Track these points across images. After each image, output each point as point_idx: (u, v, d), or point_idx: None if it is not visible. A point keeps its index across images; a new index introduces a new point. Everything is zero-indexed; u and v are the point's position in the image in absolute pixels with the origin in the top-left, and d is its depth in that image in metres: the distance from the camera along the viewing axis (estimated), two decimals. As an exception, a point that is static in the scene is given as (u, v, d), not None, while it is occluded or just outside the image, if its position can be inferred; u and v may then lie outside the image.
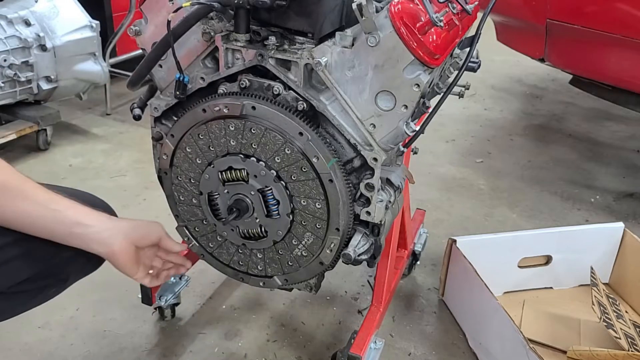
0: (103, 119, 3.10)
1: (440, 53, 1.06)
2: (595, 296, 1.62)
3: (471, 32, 1.36)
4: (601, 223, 2.18)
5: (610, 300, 1.68)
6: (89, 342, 1.63)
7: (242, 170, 1.17)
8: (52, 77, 2.58)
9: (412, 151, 1.49)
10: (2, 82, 2.44)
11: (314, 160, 1.11)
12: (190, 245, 1.32)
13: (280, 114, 1.10)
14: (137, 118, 1.32)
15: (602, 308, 1.60)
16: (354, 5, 0.97)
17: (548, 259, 1.87)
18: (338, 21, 1.12)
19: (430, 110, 1.18)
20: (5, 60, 2.40)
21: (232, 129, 1.14)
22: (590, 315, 1.66)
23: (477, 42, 1.27)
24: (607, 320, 1.57)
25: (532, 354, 1.37)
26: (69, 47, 2.58)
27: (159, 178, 1.31)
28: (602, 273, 1.88)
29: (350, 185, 1.15)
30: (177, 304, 1.72)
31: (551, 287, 1.91)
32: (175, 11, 1.08)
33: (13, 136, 2.54)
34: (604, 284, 1.81)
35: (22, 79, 2.49)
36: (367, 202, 1.16)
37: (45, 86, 2.58)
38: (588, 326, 1.70)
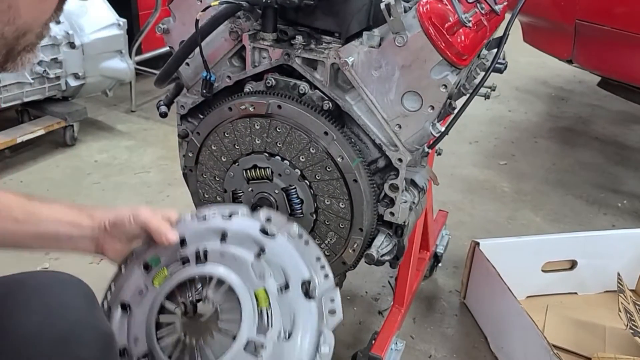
0: (128, 115, 3.14)
1: (468, 53, 1.05)
2: (621, 303, 1.59)
3: (498, 32, 1.34)
4: (628, 228, 2.14)
5: (637, 307, 1.65)
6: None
7: (267, 169, 1.18)
8: (80, 74, 2.63)
9: (436, 152, 1.48)
10: (32, 79, 2.49)
11: (339, 159, 1.10)
12: None
13: (305, 113, 1.11)
14: (163, 115, 1.34)
15: (628, 315, 1.57)
16: (382, 5, 0.97)
17: (573, 264, 1.84)
18: (365, 21, 1.11)
19: (456, 111, 1.17)
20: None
21: (258, 127, 1.15)
22: (616, 321, 1.62)
23: (504, 42, 1.25)
24: (633, 327, 1.54)
25: (555, 359, 1.35)
26: (97, 44, 2.62)
27: (184, 175, 1.32)
28: (629, 279, 1.84)
29: (375, 185, 1.15)
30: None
31: (576, 293, 1.88)
32: (204, 10, 1.09)
33: (41, 132, 2.59)
34: (630, 290, 1.78)
35: (51, 76, 2.53)
36: (391, 202, 1.16)
37: (73, 83, 2.63)
38: (613, 333, 1.67)
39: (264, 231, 0.91)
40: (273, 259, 0.88)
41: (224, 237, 0.91)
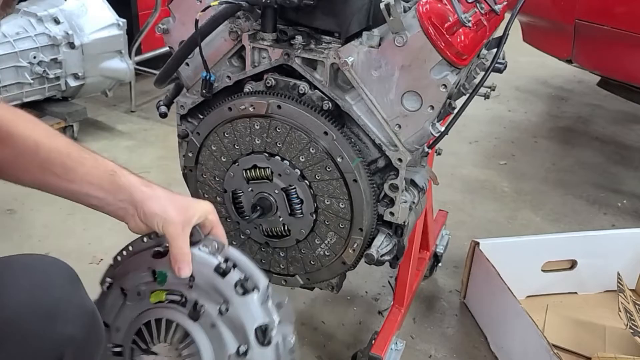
0: (128, 115, 3.14)
1: (468, 53, 1.05)
2: (621, 302, 1.59)
3: (498, 32, 1.34)
4: (628, 228, 2.14)
5: (637, 306, 1.65)
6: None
7: (267, 169, 1.18)
8: (80, 74, 2.62)
9: (435, 152, 1.48)
10: (32, 79, 2.48)
11: (339, 159, 1.11)
12: None
13: (305, 113, 1.11)
14: (163, 116, 1.34)
15: (628, 315, 1.57)
16: (382, 5, 0.97)
17: (573, 264, 1.84)
18: (365, 21, 1.11)
19: (456, 111, 1.18)
20: (34, 57, 2.45)
21: (258, 127, 1.15)
22: (616, 321, 1.63)
23: (504, 42, 1.25)
24: (633, 327, 1.54)
25: (555, 359, 1.35)
26: (97, 44, 2.62)
27: (184, 175, 1.32)
28: (629, 279, 1.84)
29: (374, 185, 1.15)
30: (198, 300, 1.73)
31: (576, 292, 1.88)
32: (204, 10, 1.09)
33: (41, 132, 2.58)
34: (630, 290, 1.78)
35: (51, 76, 2.53)
36: (391, 202, 1.16)
37: (73, 83, 2.62)
38: (614, 333, 1.67)
39: (261, 331, 0.88)
40: None
41: (225, 308, 0.89)
